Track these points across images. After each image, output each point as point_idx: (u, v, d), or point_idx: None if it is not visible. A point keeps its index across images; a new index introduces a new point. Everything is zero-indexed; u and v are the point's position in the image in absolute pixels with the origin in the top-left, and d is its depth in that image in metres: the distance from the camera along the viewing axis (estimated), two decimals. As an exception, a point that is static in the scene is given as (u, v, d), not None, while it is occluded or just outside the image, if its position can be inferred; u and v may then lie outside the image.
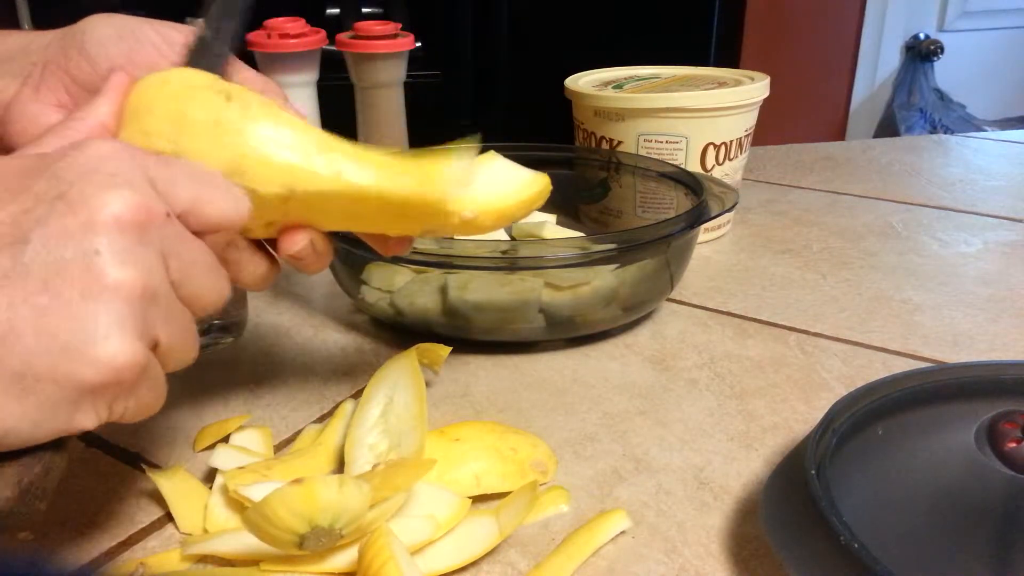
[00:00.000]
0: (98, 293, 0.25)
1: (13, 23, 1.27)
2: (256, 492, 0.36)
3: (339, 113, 0.70)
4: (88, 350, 0.25)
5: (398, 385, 0.42)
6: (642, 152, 0.69)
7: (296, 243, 0.35)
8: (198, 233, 0.30)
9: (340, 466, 0.40)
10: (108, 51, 0.36)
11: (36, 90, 0.36)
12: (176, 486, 0.39)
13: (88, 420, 0.27)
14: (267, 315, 0.60)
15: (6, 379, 0.25)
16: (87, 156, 0.27)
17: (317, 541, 0.32)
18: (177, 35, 0.37)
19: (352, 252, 0.55)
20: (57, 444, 0.28)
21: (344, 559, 0.34)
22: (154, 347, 0.28)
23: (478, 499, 0.38)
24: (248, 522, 0.32)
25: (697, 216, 0.54)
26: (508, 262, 0.52)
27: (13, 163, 0.28)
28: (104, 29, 0.37)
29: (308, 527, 0.31)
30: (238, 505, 0.37)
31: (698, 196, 0.57)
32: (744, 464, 0.42)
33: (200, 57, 0.35)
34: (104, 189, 0.26)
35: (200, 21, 0.37)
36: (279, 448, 0.44)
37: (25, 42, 0.38)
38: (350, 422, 0.41)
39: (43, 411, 0.25)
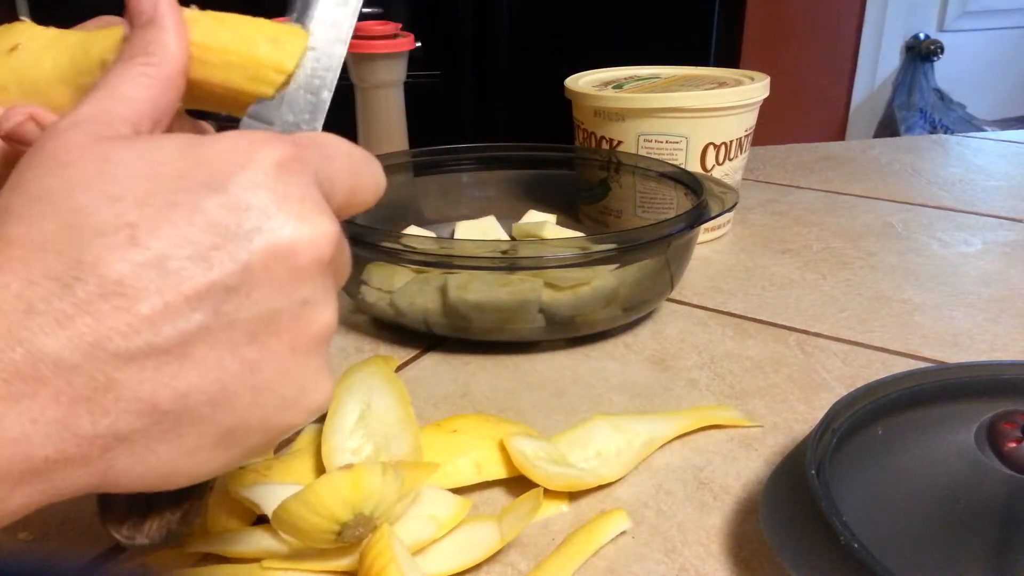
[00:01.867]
0: (307, 343, 0.24)
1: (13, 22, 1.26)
2: (256, 492, 0.36)
3: (339, 113, 0.69)
4: (303, 401, 0.24)
5: (372, 390, 0.42)
6: (642, 152, 0.69)
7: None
8: (342, 216, 0.27)
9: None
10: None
11: None
12: (176, 486, 0.39)
13: (270, 451, 0.27)
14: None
15: (216, 437, 0.23)
16: (264, 170, 0.23)
17: (355, 530, 0.32)
18: None
19: (352, 252, 0.55)
20: None
21: (346, 559, 0.34)
22: None
23: (480, 500, 0.38)
24: (284, 514, 0.31)
25: (697, 216, 0.54)
26: (508, 262, 0.52)
27: (162, 157, 0.23)
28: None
29: (352, 514, 0.31)
30: (238, 505, 0.37)
31: (698, 196, 0.57)
32: (744, 464, 0.42)
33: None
34: (302, 224, 0.23)
35: None
36: (279, 448, 0.44)
37: None
38: (323, 432, 0.41)
39: (243, 456, 0.24)
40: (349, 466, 0.32)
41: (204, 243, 0.22)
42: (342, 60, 0.30)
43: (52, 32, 0.31)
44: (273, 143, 0.24)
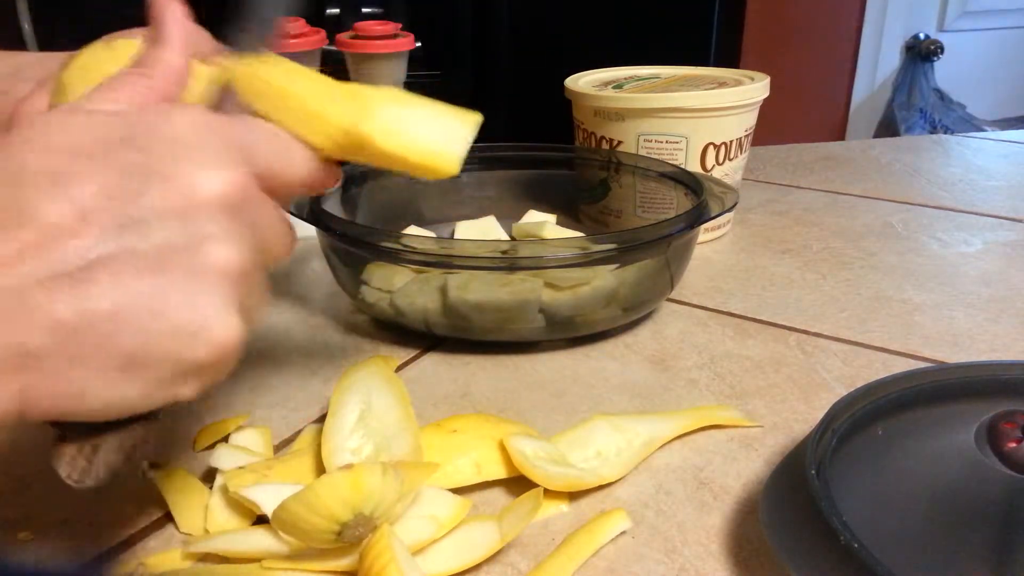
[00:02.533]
0: (206, 274, 0.26)
1: (13, 22, 1.27)
2: (256, 493, 0.36)
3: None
4: (203, 332, 0.26)
5: (372, 390, 0.42)
6: (642, 152, 0.69)
7: None
8: (270, 192, 0.30)
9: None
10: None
11: (44, 87, 0.37)
12: (176, 486, 0.39)
13: (191, 392, 0.27)
14: (267, 315, 0.60)
15: (120, 359, 0.25)
16: (172, 126, 0.27)
17: (355, 530, 0.32)
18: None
19: (352, 252, 0.55)
20: (153, 412, 0.29)
21: (346, 559, 0.34)
22: None
23: (480, 500, 0.38)
24: (285, 514, 0.31)
25: (697, 216, 0.54)
26: (508, 262, 0.52)
27: (96, 121, 0.27)
28: (100, 43, 0.37)
29: (352, 514, 0.32)
30: (238, 505, 0.37)
31: (698, 196, 0.57)
32: (744, 464, 0.42)
33: (249, 18, 0.34)
34: (203, 167, 0.26)
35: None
36: (279, 448, 0.44)
37: (41, 57, 0.39)
38: (323, 432, 0.41)
39: (153, 387, 0.26)
40: (349, 466, 0.32)
41: (112, 183, 0.25)
42: None
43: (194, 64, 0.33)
44: (193, 109, 0.28)
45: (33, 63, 0.39)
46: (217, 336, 0.26)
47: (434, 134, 0.33)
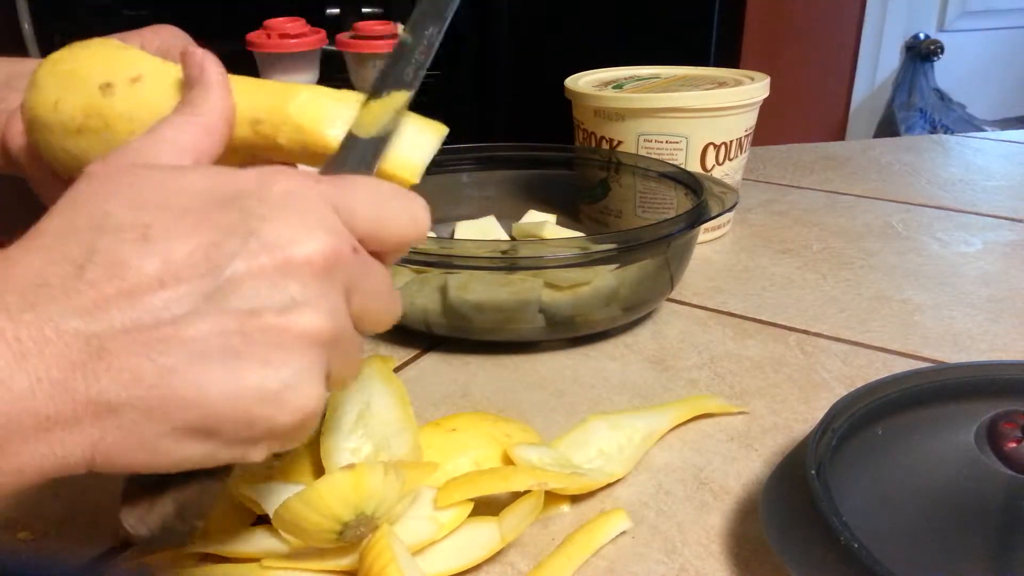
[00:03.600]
0: (292, 341, 0.25)
1: (13, 22, 1.27)
2: (256, 492, 0.36)
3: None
4: (282, 400, 0.25)
5: (372, 390, 0.42)
6: (642, 152, 0.69)
7: None
8: (376, 254, 0.29)
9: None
10: None
11: None
12: (176, 486, 0.39)
13: (261, 455, 0.27)
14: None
15: (196, 419, 0.24)
16: (276, 190, 0.26)
17: (357, 530, 0.32)
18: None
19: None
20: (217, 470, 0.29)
21: (346, 558, 0.34)
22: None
23: (480, 500, 0.38)
24: (286, 513, 0.31)
25: (697, 216, 0.54)
26: (508, 262, 0.52)
27: (188, 180, 0.26)
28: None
29: (353, 514, 0.32)
30: (238, 505, 0.37)
31: (698, 196, 0.57)
32: (744, 464, 0.42)
33: (396, 63, 0.34)
34: (298, 230, 0.26)
35: (403, 26, 0.36)
36: (278, 454, 0.44)
37: (33, 66, 0.38)
38: (320, 431, 0.41)
39: (224, 448, 0.26)
40: (351, 466, 0.32)
41: (205, 241, 0.25)
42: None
43: (172, 68, 0.34)
44: (288, 172, 0.27)
45: (25, 72, 0.38)
46: (296, 404, 0.26)
47: (397, 140, 0.33)
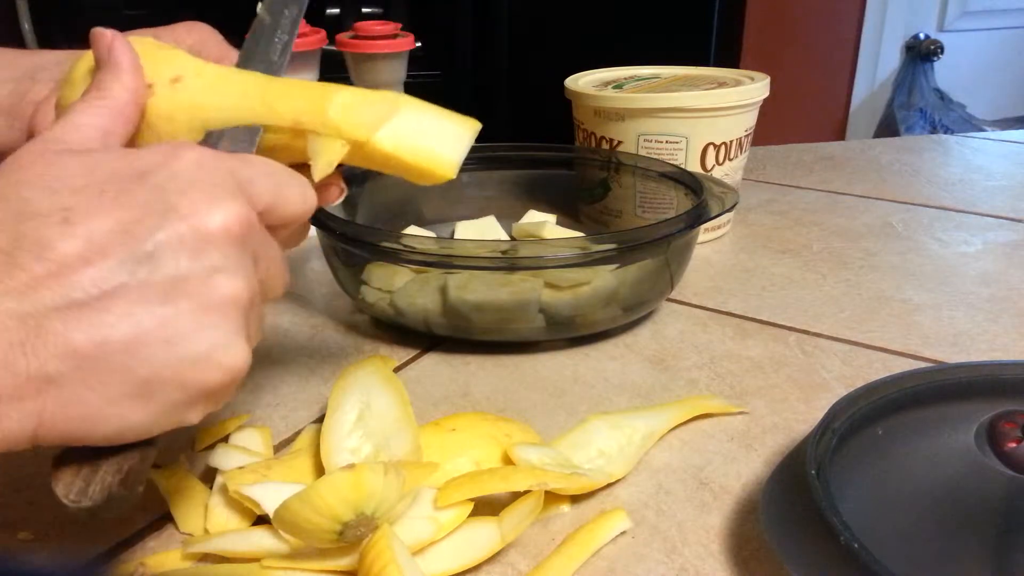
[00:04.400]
0: (216, 305, 0.27)
1: (13, 22, 1.27)
2: (256, 492, 0.36)
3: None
4: (213, 359, 0.27)
5: (372, 390, 0.42)
6: (642, 152, 0.69)
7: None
8: (271, 228, 0.31)
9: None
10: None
11: None
12: (176, 486, 0.39)
13: (198, 417, 0.29)
14: (267, 315, 0.60)
15: (134, 385, 0.26)
16: (184, 166, 0.28)
17: (357, 530, 0.32)
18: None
19: (352, 252, 0.55)
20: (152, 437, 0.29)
21: (346, 558, 0.34)
22: None
23: (480, 500, 0.38)
24: (286, 513, 0.31)
25: (697, 216, 0.54)
26: (508, 262, 0.52)
27: (98, 162, 0.28)
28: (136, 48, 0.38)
29: (353, 514, 0.32)
30: (238, 505, 0.37)
31: (698, 196, 0.57)
32: (744, 464, 0.42)
33: (257, 40, 0.36)
34: (213, 201, 0.28)
35: (262, 5, 0.37)
36: (279, 448, 0.44)
37: (63, 56, 0.40)
38: (321, 432, 0.41)
39: (164, 413, 0.27)
40: (351, 466, 0.32)
41: (125, 217, 0.26)
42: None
43: (212, 68, 0.35)
44: (194, 147, 0.29)
45: (51, 64, 0.39)
46: (227, 362, 0.28)
47: (434, 138, 0.34)
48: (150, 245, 0.26)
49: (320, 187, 0.38)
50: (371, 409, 0.41)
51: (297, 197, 0.32)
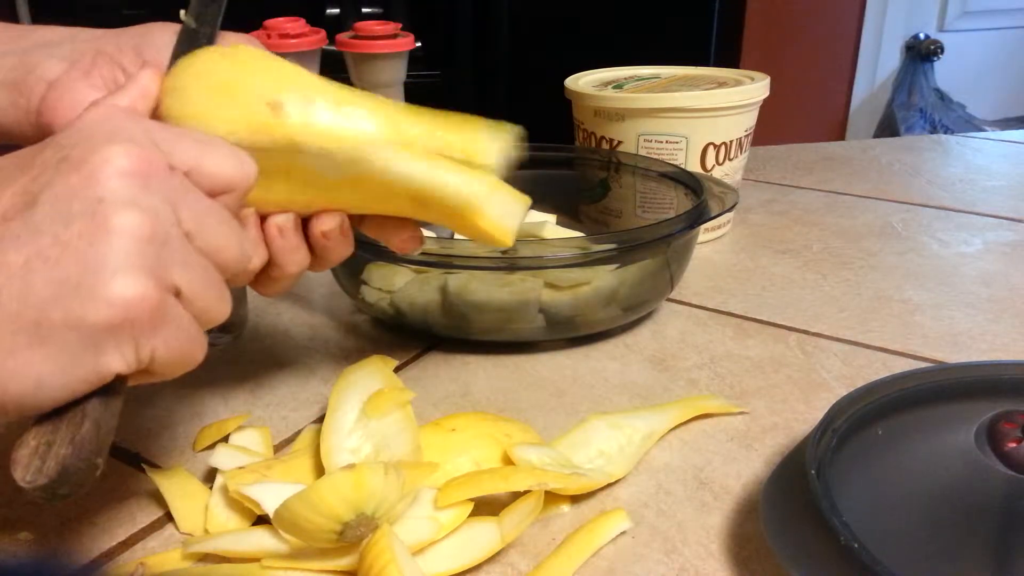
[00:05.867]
0: (104, 236, 0.26)
1: (13, 22, 1.27)
2: (256, 492, 0.36)
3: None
4: (97, 289, 0.26)
5: (371, 391, 0.42)
6: (642, 152, 0.69)
7: (328, 222, 0.37)
8: (209, 193, 0.31)
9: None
10: (164, 56, 0.37)
11: (87, 73, 0.37)
12: (176, 486, 0.39)
13: (115, 362, 0.27)
14: (267, 315, 0.60)
15: (25, 330, 0.26)
16: (85, 121, 0.29)
17: (357, 530, 0.32)
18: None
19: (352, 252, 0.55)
20: (104, 397, 0.29)
21: (346, 558, 0.34)
22: (176, 293, 0.29)
23: (480, 500, 0.38)
24: (287, 513, 0.31)
25: (697, 216, 0.54)
26: (508, 262, 0.52)
27: (27, 149, 0.29)
28: (164, 36, 0.38)
29: (354, 514, 0.32)
30: (238, 505, 0.37)
31: (698, 196, 0.57)
32: (744, 464, 0.42)
33: (187, 47, 0.36)
34: (104, 144, 0.27)
35: (184, 11, 0.37)
36: (279, 448, 0.44)
37: (71, 33, 0.39)
38: (321, 431, 0.41)
39: (66, 356, 0.26)
40: (351, 466, 0.32)
41: (26, 179, 0.27)
42: None
43: (339, 90, 0.37)
44: (105, 107, 0.30)
45: (64, 40, 0.38)
46: (114, 291, 0.26)
47: (499, 208, 0.36)
48: (42, 198, 0.26)
49: (401, 237, 0.40)
50: None
51: (228, 161, 0.31)
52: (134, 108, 0.33)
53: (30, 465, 0.27)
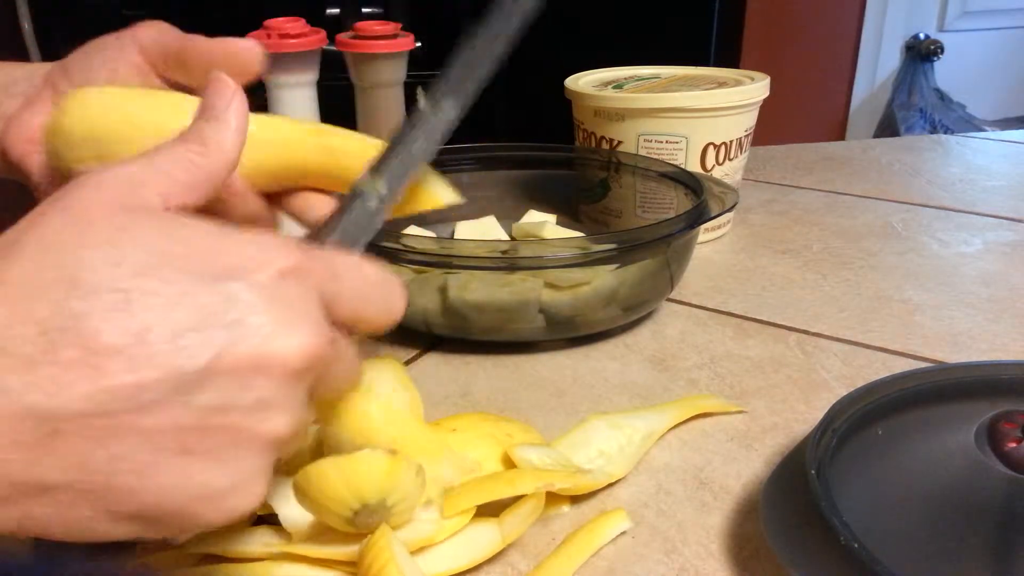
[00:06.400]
0: (250, 443, 0.24)
1: (13, 22, 1.27)
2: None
3: (339, 113, 0.70)
4: (225, 499, 0.24)
5: (382, 393, 0.42)
6: (642, 152, 0.69)
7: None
8: (351, 332, 0.29)
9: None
10: (93, 78, 0.37)
11: (35, 105, 0.38)
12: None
13: (184, 539, 0.27)
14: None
15: (132, 510, 0.23)
16: (269, 275, 0.24)
17: (370, 517, 0.32)
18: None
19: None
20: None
21: (348, 548, 0.34)
22: None
23: (482, 504, 0.38)
24: (315, 475, 0.31)
25: (697, 216, 0.54)
26: (508, 262, 0.52)
27: (178, 241, 0.24)
28: (98, 57, 0.38)
29: (377, 498, 0.31)
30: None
31: (698, 196, 0.57)
32: (744, 464, 0.42)
33: (391, 153, 0.33)
34: (282, 327, 0.24)
35: (423, 91, 0.35)
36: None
37: (30, 70, 0.39)
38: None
39: (151, 533, 0.25)
40: (392, 451, 0.31)
41: (184, 324, 0.23)
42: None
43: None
44: (283, 250, 0.25)
45: (21, 78, 0.39)
46: (237, 505, 0.25)
47: (429, 184, 0.38)
48: (202, 363, 0.23)
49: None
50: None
51: (383, 310, 0.29)
52: (231, 161, 0.29)
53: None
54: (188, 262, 0.24)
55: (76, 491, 0.22)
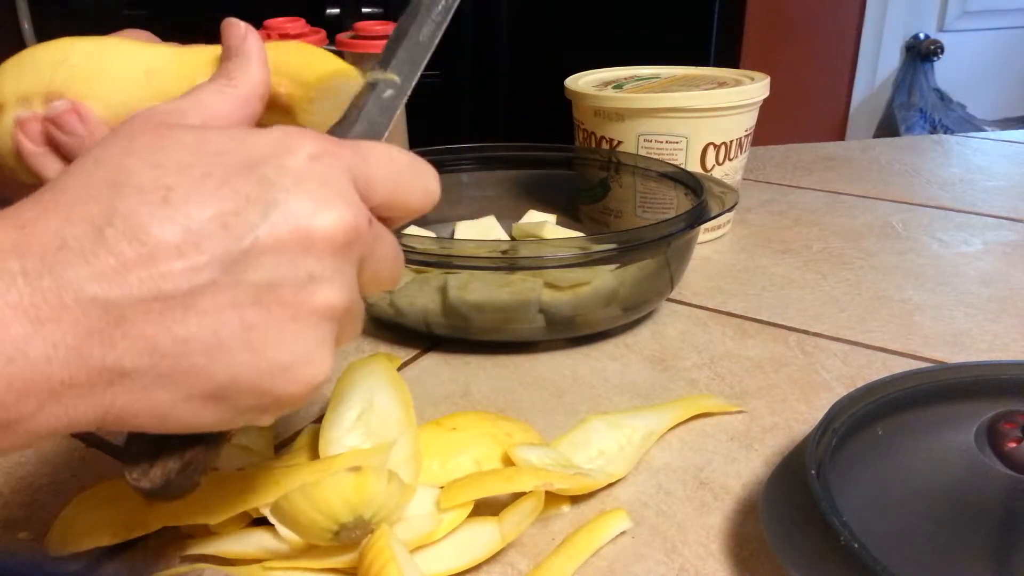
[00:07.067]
0: (307, 315, 0.26)
1: (13, 22, 1.27)
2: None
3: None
4: (294, 371, 0.26)
5: (376, 389, 0.42)
6: (642, 152, 0.69)
7: None
8: (388, 221, 0.30)
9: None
10: None
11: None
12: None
13: (269, 420, 0.28)
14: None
15: (209, 389, 0.25)
16: (300, 158, 0.26)
17: (353, 532, 0.32)
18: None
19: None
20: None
21: (346, 555, 0.34)
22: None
23: (480, 500, 0.38)
24: (287, 505, 0.31)
25: (697, 216, 0.54)
26: (508, 262, 0.52)
27: (210, 141, 0.26)
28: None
29: (352, 516, 0.32)
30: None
31: (698, 196, 0.57)
32: (744, 464, 0.42)
33: (411, 20, 0.35)
34: (320, 204, 0.26)
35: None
36: (279, 448, 0.44)
37: None
38: (322, 425, 0.41)
39: (235, 415, 0.26)
40: (357, 468, 0.32)
41: (226, 209, 0.24)
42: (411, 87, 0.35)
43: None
44: (310, 137, 0.27)
45: None
46: (308, 375, 0.26)
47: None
48: (247, 243, 0.24)
49: None
50: (373, 408, 0.41)
51: (419, 190, 0.30)
52: (260, 92, 0.32)
53: (137, 464, 0.28)
54: (223, 157, 0.25)
55: (152, 375, 0.24)
